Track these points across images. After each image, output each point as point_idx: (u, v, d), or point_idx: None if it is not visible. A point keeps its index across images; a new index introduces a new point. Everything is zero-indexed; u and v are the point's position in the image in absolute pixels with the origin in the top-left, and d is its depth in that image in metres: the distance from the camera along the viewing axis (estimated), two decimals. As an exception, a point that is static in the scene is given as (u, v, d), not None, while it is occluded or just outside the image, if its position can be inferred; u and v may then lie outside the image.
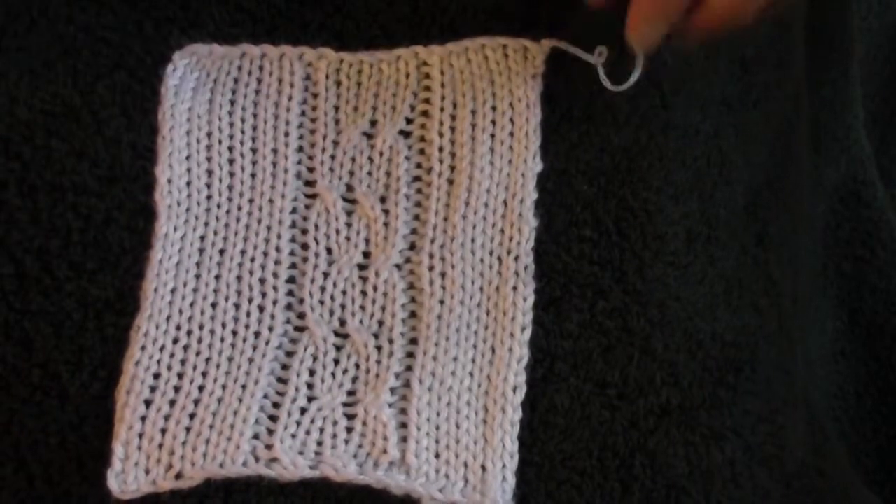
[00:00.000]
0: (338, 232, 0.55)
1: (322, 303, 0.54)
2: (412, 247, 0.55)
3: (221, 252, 0.55)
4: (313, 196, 0.56)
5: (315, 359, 0.53)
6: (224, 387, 0.52)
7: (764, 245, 0.59)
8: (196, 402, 0.52)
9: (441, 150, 0.56)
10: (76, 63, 0.56)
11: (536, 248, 0.54)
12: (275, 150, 0.56)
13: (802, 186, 0.66)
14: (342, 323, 0.53)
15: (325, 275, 0.54)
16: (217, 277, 0.54)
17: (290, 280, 0.54)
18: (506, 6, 0.57)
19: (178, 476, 0.50)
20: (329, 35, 0.58)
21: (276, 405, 0.52)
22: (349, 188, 0.56)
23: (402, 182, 0.56)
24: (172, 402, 0.52)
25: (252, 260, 0.54)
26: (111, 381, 0.52)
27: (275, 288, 0.54)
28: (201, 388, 0.52)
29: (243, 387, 0.52)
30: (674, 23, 0.52)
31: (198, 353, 0.53)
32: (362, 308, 0.54)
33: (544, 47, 0.56)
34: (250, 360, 0.53)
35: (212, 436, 0.51)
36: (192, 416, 0.51)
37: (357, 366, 0.53)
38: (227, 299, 0.54)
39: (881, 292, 0.75)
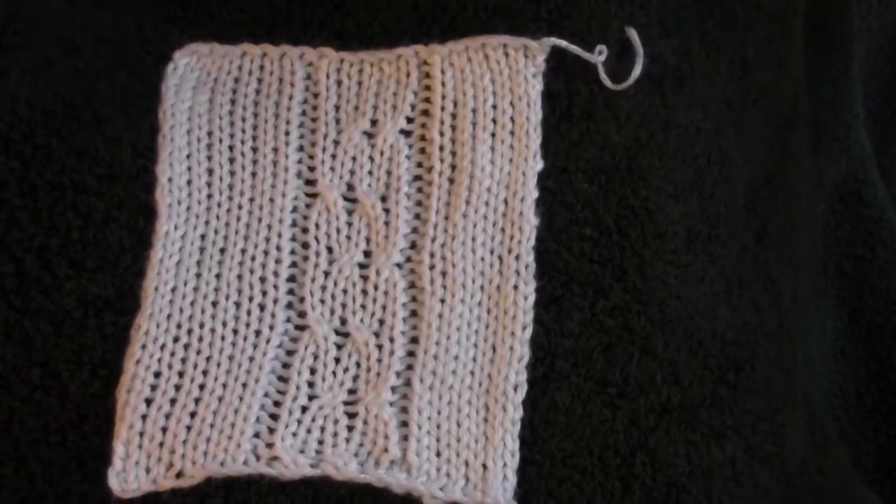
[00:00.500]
0: (338, 231, 0.55)
1: (323, 301, 0.54)
2: (413, 246, 0.55)
3: (222, 251, 0.55)
4: (314, 195, 0.56)
5: (316, 357, 0.53)
6: (225, 385, 0.52)
7: (764, 244, 0.59)
8: (197, 401, 0.52)
9: (442, 149, 0.56)
10: (77, 62, 0.56)
11: (537, 247, 0.54)
12: (275, 150, 0.56)
13: (802, 185, 0.66)
14: (343, 322, 0.53)
15: (326, 274, 0.54)
16: (218, 276, 0.54)
17: (291, 279, 0.54)
18: (506, 5, 0.57)
19: (179, 475, 0.50)
20: (330, 34, 0.58)
21: (276, 404, 0.52)
22: (350, 187, 0.56)
23: (403, 181, 0.56)
24: (173, 401, 0.52)
25: (253, 259, 0.54)
26: (112, 380, 0.52)
27: (275, 287, 0.54)
28: (202, 387, 0.52)
29: (244, 385, 0.52)
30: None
31: (198, 352, 0.53)
32: (363, 307, 0.54)
33: (545, 46, 0.56)
34: (251, 359, 0.53)
35: (213, 434, 0.51)
36: (192, 415, 0.51)
37: (358, 364, 0.53)
38: (227, 298, 0.54)
39: (881, 292, 0.75)
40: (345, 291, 0.54)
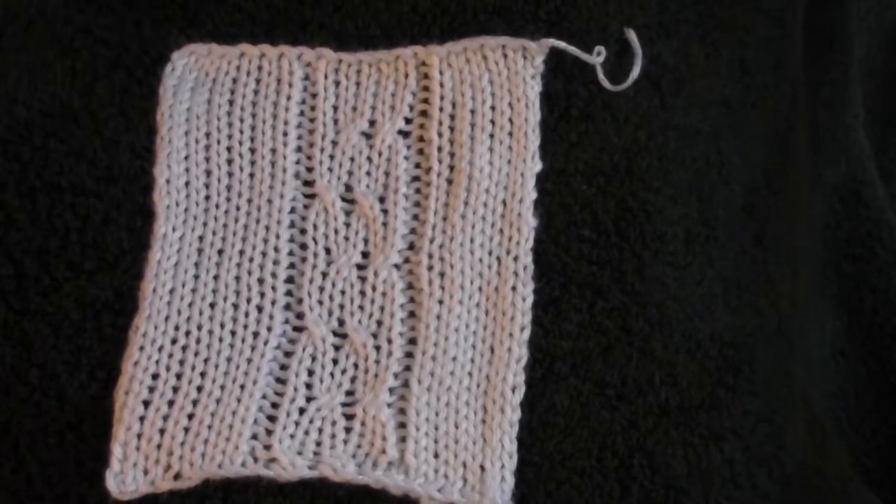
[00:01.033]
0: (336, 232, 0.55)
1: (321, 303, 0.54)
2: (411, 247, 0.55)
3: (220, 252, 0.55)
4: (312, 196, 0.56)
5: (314, 359, 0.53)
6: (223, 387, 0.52)
7: (763, 245, 0.59)
8: (195, 403, 0.52)
9: (440, 149, 0.56)
10: (74, 63, 0.56)
11: (535, 248, 0.54)
12: (273, 150, 0.56)
13: (801, 186, 0.66)
14: (341, 323, 0.53)
15: (324, 275, 0.54)
16: (216, 278, 0.54)
17: (289, 280, 0.54)
18: (505, 6, 0.57)
19: (177, 476, 0.50)
20: (328, 35, 0.58)
21: (274, 405, 0.52)
22: (348, 188, 0.56)
23: (401, 182, 0.55)
24: (171, 403, 0.52)
25: (251, 260, 0.54)
26: (109, 382, 0.52)
27: (273, 288, 0.54)
28: (200, 389, 0.52)
29: (242, 387, 0.52)
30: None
31: (196, 354, 0.53)
32: (361, 308, 0.54)
33: (543, 47, 0.56)
34: (249, 361, 0.53)
35: (210, 436, 0.51)
36: (190, 417, 0.51)
37: (356, 366, 0.53)
38: (225, 299, 0.54)
39: (881, 292, 0.74)
40: (343, 292, 0.54)
